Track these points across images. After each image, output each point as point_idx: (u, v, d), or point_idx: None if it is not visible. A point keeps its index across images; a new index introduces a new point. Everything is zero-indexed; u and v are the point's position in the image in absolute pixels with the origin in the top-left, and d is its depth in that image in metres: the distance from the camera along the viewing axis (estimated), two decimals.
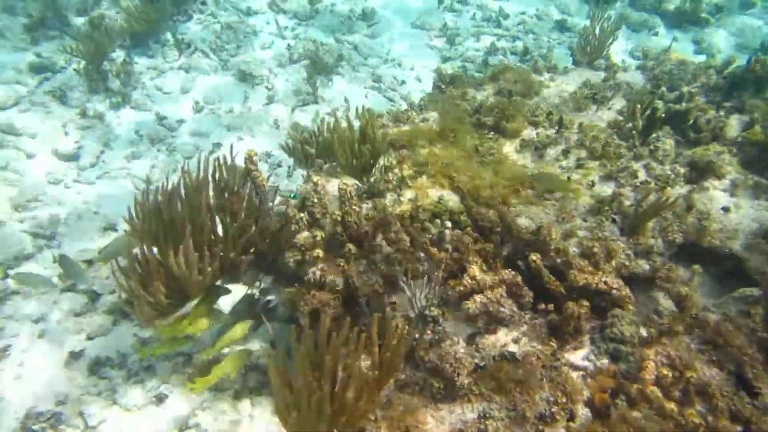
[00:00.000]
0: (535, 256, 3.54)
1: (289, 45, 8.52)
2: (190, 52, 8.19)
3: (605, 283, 3.45)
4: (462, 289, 3.41)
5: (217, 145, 6.83)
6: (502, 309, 3.29)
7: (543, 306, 3.36)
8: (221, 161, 3.93)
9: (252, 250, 3.98)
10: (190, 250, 3.38)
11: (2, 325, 4.39)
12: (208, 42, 8.43)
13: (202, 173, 3.78)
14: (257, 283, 4.36)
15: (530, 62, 8.47)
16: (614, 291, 3.45)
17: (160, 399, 4.13)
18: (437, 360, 3.19)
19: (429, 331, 3.37)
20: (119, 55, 7.46)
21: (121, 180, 6.13)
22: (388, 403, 3.21)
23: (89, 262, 4.90)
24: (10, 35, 7.36)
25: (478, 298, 3.29)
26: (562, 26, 9.45)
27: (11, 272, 4.81)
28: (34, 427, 3.67)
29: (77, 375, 4.19)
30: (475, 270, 3.43)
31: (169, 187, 3.70)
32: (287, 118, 7.38)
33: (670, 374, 3.04)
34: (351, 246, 3.69)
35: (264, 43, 8.76)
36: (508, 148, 4.97)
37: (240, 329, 4.04)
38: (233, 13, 9.19)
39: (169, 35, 8.23)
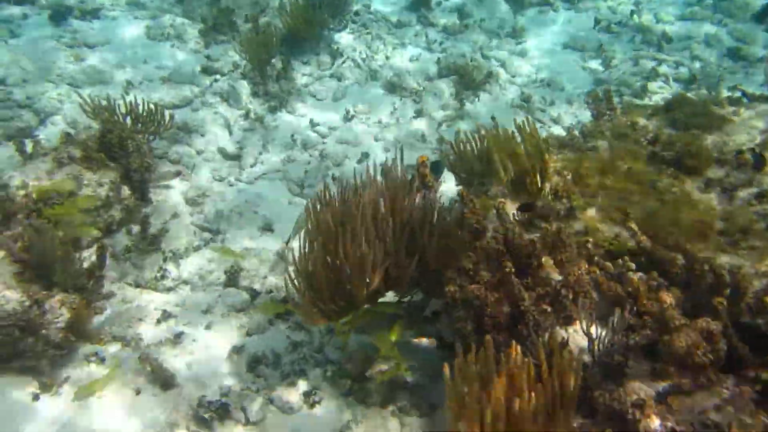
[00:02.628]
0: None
1: (438, 59, 8.51)
2: (342, 61, 8.42)
3: None
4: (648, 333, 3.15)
5: (366, 155, 6.93)
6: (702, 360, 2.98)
7: (752, 373, 3.00)
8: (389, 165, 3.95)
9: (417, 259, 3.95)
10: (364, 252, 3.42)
11: (176, 312, 4.66)
12: (359, 52, 8.63)
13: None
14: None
15: (695, 91, 7.88)
16: None
17: (312, 403, 4.20)
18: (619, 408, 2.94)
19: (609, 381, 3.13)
20: (279, 60, 7.79)
21: (277, 182, 6.38)
22: None
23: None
24: (189, 38, 7.95)
25: (681, 340, 3.00)
26: (735, 54, 8.68)
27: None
28: (205, 416, 3.85)
29: (238, 370, 4.37)
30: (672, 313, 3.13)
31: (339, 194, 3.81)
32: (434, 132, 7.36)
33: None
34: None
35: (412, 56, 8.83)
36: (690, 186, 4.59)
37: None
38: (384, 25, 9.35)
39: (323, 44, 8.51)
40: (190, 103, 7.10)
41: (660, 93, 8.09)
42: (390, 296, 4.32)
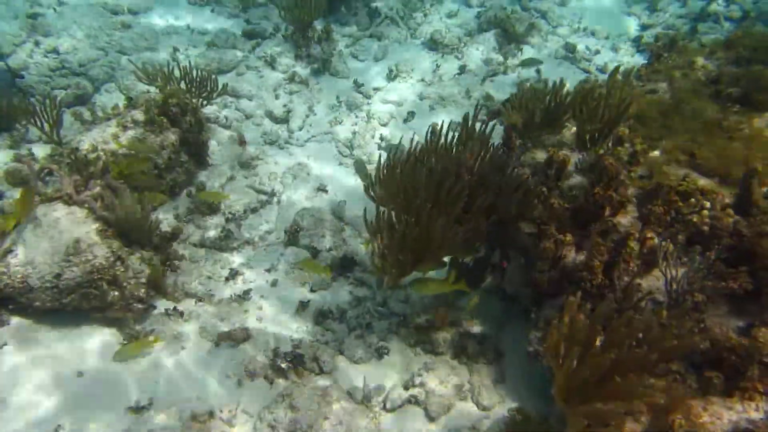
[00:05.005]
0: None
1: (478, 13, 8.33)
2: (381, 20, 8.31)
3: None
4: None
5: (411, 114, 6.88)
6: None
7: None
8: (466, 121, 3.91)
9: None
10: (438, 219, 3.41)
11: (242, 270, 4.78)
12: (396, 10, 8.50)
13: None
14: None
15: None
16: None
17: (380, 354, 4.29)
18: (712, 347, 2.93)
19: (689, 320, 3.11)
20: (319, 22, 7.73)
21: (326, 144, 6.40)
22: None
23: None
24: (227, 2, 7.94)
25: None
26: None
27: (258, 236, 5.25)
28: (282, 365, 3.97)
29: (306, 323, 4.47)
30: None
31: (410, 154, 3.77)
32: (479, 88, 7.25)
33: None
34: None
35: (450, 11, 8.66)
36: (761, 122, 4.44)
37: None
38: None
39: (360, 4, 8.40)
40: (236, 67, 7.12)
41: (711, 34, 7.78)
42: None
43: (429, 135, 4.16)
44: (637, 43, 7.88)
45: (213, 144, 5.81)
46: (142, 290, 3.95)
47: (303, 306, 4.59)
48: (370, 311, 4.59)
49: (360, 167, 5.67)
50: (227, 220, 5.17)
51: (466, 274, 4.23)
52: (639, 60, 7.44)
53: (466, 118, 3.76)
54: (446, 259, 4.15)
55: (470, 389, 4.02)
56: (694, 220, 3.53)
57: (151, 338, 3.96)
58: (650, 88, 5.05)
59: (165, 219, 4.83)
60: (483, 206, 3.68)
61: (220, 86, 5.89)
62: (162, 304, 4.33)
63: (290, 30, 7.39)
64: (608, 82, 3.96)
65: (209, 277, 4.62)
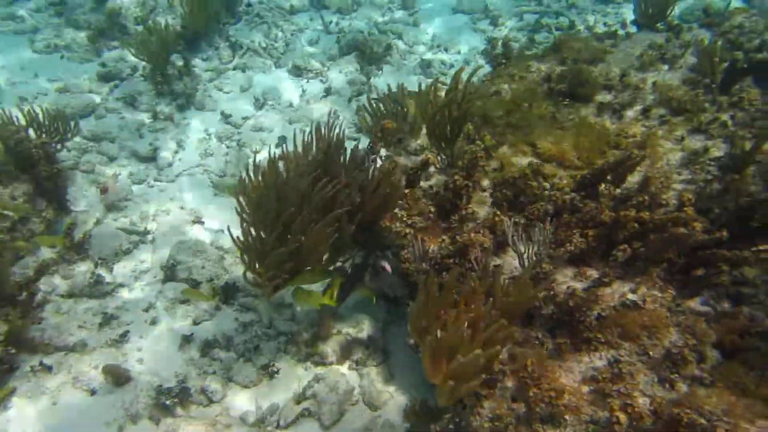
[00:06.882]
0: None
1: (338, 38, 8.66)
2: (243, 52, 8.39)
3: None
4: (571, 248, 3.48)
5: (283, 139, 6.99)
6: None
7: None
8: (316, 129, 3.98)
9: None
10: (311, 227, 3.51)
11: (117, 314, 4.58)
12: (258, 42, 8.63)
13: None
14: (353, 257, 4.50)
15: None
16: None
17: (271, 375, 4.29)
18: (559, 309, 3.26)
19: (542, 287, 3.44)
20: (178, 58, 7.66)
21: (199, 176, 6.33)
22: (511, 357, 3.28)
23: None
24: (77, 47, 7.65)
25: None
26: None
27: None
28: (167, 402, 3.85)
29: (192, 357, 4.37)
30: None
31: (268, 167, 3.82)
32: (345, 107, 7.52)
33: None
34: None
35: (311, 39, 8.92)
36: (586, 112, 5.02)
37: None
38: (278, 12, 9.37)
39: (220, 38, 8.43)
40: (94, 111, 6.86)
41: (546, 43, 8.63)
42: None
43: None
44: (486, 54, 8.54)
45: (76, 189, 5.56)
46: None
47: (186, 340, 4.48)
48: (257, 334, 4.58)
49: (222, 187, 5.68)
50: (96, 264, 4.94)
51: (345, 281, 4.36)
52: (489, 70, 8.06)
53: (318, 127, 3.92)
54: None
55: (361, 392, 4.12)
56: (539, 201, 3.92)
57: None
58: (495, 90, 5.53)
59: (24, 271, 4.54)
60: (346, 206, 3.80)
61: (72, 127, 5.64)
62: (28, 361, 4.04)
63: (148, 69, 7.26)
64: (451, 82, 4.29)
65: (81, 326, 4.39)
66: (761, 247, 3.09)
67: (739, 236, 3.18)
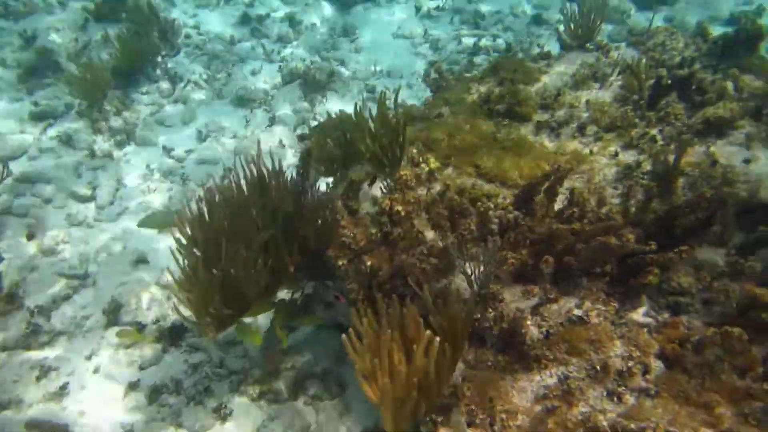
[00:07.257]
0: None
1: (280, 67, 8.65)
2: (184, 85, 8.27)
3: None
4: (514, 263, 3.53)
5: (228, 170, 6.88)
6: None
7: (599, 270, 3.49)
8: (251, 159, 3.96)
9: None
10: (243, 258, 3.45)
11: (56, 365, 4.36)
12: (199, 73, 8.53)
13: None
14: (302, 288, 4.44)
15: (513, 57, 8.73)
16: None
17: (223, 417, 4.15)
18: (506, 332, 3.28)
19: (490, 309, 3.47)
20: (115, 94, 7.48)
21: (141, 214, 6.14)
22: (463, 381, 3.28)
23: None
24: (5, 86, 7.36)
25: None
26: (538, 20, 9.75)
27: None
28: None
29: (138, 404, 4.19)
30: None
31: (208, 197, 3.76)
32: (291, 136, 7.48)
33: None
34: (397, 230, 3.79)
35: (254, 69, 8.88)
36: (525, 131, 5.15)
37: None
38: (218, 43, 9.30)
39: (159, 71, 8.30)
40: (26, 152, 6.59)
41: (485, 65, 8.87)
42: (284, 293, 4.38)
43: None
44: (426, 79, 8.70)
45: (10, 234, 5.30)
46: None
47: (132, 386, 4.30)
48: (208, 375, 4.43)
49: (150, 223, 5.48)
50: (33, 313, 4.70)
51: (293, 312, 4.29)
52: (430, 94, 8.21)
53: (252, 159, 3.89)
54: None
55: (317, 428, 4.03)
56: (483, 220, 3.97)
57: None
58: (437, 113, 5.62)
59: None
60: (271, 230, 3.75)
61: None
62: None
63: (84, 105, 7.05)
64: (377, 107, 4.34)
65: (15, 381, 4.15)
66: (682, 248, 3.21)
67: (666, 245, 3.29)
